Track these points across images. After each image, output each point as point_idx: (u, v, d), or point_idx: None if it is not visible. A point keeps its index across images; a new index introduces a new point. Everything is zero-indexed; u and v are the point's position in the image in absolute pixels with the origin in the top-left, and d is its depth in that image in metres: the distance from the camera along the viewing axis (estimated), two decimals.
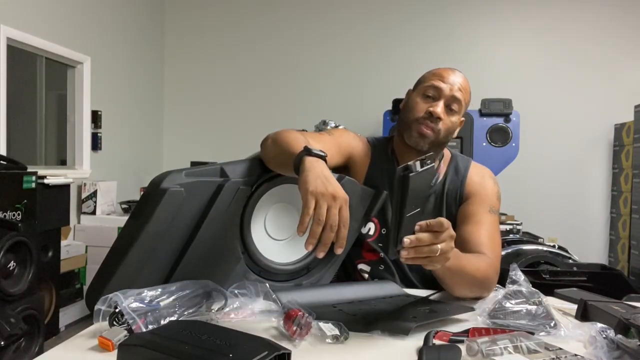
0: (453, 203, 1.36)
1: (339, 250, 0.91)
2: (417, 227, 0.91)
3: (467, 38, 4.68)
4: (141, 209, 1.05)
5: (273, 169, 1.14)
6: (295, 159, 1.01)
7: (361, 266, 1.38)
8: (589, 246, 4.52)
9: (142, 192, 3.10)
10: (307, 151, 1.01)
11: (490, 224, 1.29)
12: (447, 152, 1.41)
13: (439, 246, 0.91)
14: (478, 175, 1.38)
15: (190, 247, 1.05)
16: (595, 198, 4.59)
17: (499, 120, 3.94)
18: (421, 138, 1.28)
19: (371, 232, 1.35)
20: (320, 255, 0.90)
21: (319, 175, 0.94)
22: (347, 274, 1.40)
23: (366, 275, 1.37)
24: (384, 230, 1.35)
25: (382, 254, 1.35)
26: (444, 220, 0.93)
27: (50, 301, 2.85)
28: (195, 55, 5.03)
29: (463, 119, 1.34)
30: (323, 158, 1.01)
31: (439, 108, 1.27)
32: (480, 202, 1.33)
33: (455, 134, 1.34)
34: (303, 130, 1.41)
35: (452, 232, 0.95)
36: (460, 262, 1.12)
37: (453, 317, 1.03)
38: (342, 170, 1.35)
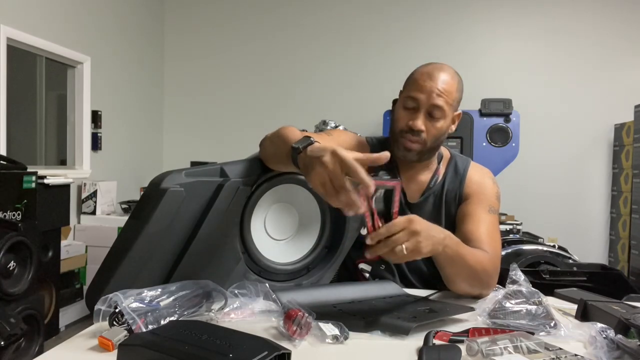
0: (452, 203, 1.36)
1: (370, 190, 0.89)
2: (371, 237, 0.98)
3: (467, 38, 4.68)
4: (141, 209, 1.05)
5: (272, 167, 1.13)
6: (291, 155, 1.00)
7: (362, 266, 1.38)
8: (589, 246, 4.52)
9: (142, 192, 3.11)
10: (294, 149, 0.98)
11: (490, 223, 1.29)
12: (446, 152, 1.41)
13: (403, 246, 0.98)
14: (477, 175, 1.38)
15: (190, 247, 1.05)
16: (595, 198, 4.59)
17: (499, 120, 3.95)
18: (408, 152, 1.29)
19: None
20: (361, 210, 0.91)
21: (310, 161, 0.93)
22: (348, 274, 1.40)
23: (367, 275, 1.37)
24: None
25: None
26: (395, 222, 0.99)
27: (50, 301, 2.85)
28: (195, 55, 5.03)
29: (458, 112, 1.32)
30: (309, 144, 0.97)
31: (419, 121, 1.26)
32: (479, 202, 1.33)
33: (454, 129, 1.34)
34: (303, 130, 1.41)
35: (412, 228, 1.00)
36: (462, 250, 1.14)
37: (453, 317, 1.03)
38: None
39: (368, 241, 0.98)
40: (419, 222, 1.02)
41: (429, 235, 1.03)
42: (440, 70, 1.27)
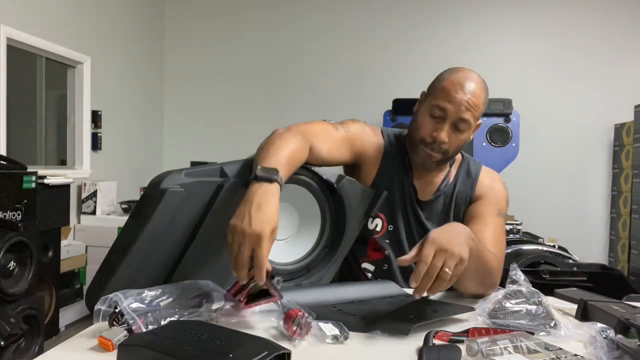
0: (463, 204, 1.37)
1: (259, 282, 0.90)
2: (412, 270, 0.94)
3: (467, 38, 4.68)
4: (141, 209, 1.05)
5: None
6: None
7: (365, 265, 1.38)
8: (589, 246, 4.51)
9: (142, 192, 3.10)
10: (254, 176, 0.98)
11: (497, 226, 1.30)
12: (458, 155, 1.42)
13: (446, 269, 0.94)
14: (489, 178, 1.40)
15: (190, 247, 1.05)
16: (595, 198, 4.59)
17: (499, 120, 3.95)
18: (428, 159, 1.29)
19: (378, 229, 1.36)
20: (242, 282, 0.91)
21: (250, 206, 0.92)
22: (351, 273, 1.40)
23: (370, 275, 1.37)
24: (390, 227, 1.36)
25: (387, 252, 1.35)
26: (423, 254, 0.94)
27: (50, 301, 2.85)
28: (195, 55, 5.03)
29: (479, 122, 1.31)
30: (269, 180, 0.97)
31: (444, 133, 1.24)
32: (489, 204, 1.34)
33: (471, 137, 1.34)
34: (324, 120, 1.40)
35: (438, 246, 0.94)
36: (478, 246, 1.11)
37: (453, 317, 1.03)
38: (353, 166, 1.36)
39: (413, 284, 0.93)
40: (437, 237, 0.96)
41: (451, 240, 0.97)
42: (471, 80, 1.24)
